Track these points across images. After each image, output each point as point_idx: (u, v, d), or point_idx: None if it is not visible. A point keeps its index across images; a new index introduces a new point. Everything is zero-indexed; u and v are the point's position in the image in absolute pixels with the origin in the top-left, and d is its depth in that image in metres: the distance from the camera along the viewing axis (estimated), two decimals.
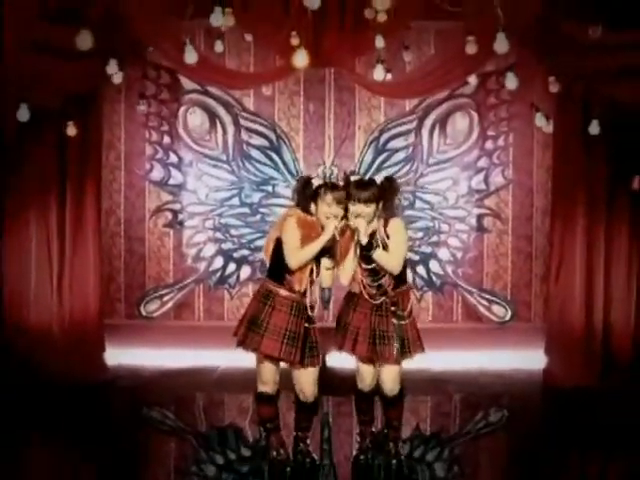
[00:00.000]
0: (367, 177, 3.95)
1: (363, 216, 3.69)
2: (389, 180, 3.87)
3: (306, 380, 3.79)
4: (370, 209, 3.69)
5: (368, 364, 3.91)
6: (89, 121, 5.06)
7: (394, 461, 3.91)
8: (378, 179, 3.83)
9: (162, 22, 4.19)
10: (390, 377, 3.84)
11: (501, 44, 3.53)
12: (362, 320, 3.82)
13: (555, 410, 4.91)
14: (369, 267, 3.75)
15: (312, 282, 3.79)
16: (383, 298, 3.78)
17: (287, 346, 3.66)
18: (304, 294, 3.73)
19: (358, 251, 3.79)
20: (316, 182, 3.76)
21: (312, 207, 3.73)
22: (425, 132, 6.40)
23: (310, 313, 3.74)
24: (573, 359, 5.15)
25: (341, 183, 3.81)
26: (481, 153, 6.43)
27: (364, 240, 3.65)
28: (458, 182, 6.45)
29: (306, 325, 3.73)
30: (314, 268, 3.73)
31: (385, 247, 3.72)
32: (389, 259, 3.70)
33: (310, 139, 6.44)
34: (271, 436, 3.91)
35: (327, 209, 3.67)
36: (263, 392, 3.82)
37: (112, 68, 4.38)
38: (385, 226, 3.75)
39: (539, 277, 6.37)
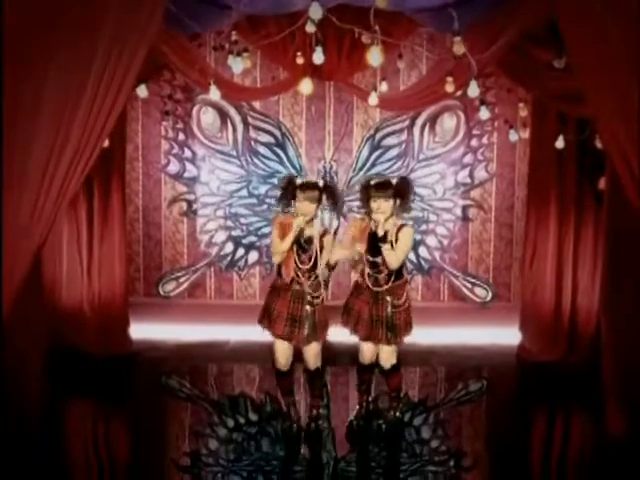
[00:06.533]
0: (384, 178, 4.25)
1: (382, 211, 4.06)
2: (404, 180, 4.24)
3: (309, 353, 4.24)
4: (388, 204, 4.07)
5: (367, 342, 4.32)
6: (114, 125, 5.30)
7: (384, 425, 4.36)
8: (394, 180, 4.18)
9: (189, 52, 4.40)
10: (385, 354, 4.28)
11: (473, 89, 3.90)
12: (363, 307, 4.26)
13: (527, 380, 5.26)
14: (373, 259, 4.17)
15: (309, 273, 4.13)
16: (382, 288, 4.19)
17: (289, 327, 4.10)
18: (299, 283, 4.09)
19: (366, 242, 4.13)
20: (298, 181, 4.08)
21: (293, 204, 4.07)
22: (416, 131, 6.59)
23: (310, 298, 4.11)
24: (543, 336, 5.42)
25: (321, 183, 4.15)
26: (467, 150, 6.62)
27: (380, 232, 4.03)
28: (445, 176, 6.66)
29: (307, 308, 4.12)
30: (296, 260, 4.08)
31: (392, 246, 4.08)
32: (391, 255, 4.08)
33: (311, 135, 6.61)
34: (285, 401, 4.36)
35: (300, 205, 4.04)
36: (278, 369, 4.28)
37: (142, 91, 4.66)
38: (398, 230, 4.13)
39: (519, 261, 6.44)
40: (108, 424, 4.60)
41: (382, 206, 4.08)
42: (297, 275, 4.13)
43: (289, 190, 4.09)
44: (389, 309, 4.19)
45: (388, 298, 4.20)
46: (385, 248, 4.09)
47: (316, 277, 4.18)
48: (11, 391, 3.80)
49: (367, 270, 4.24)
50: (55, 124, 3.19)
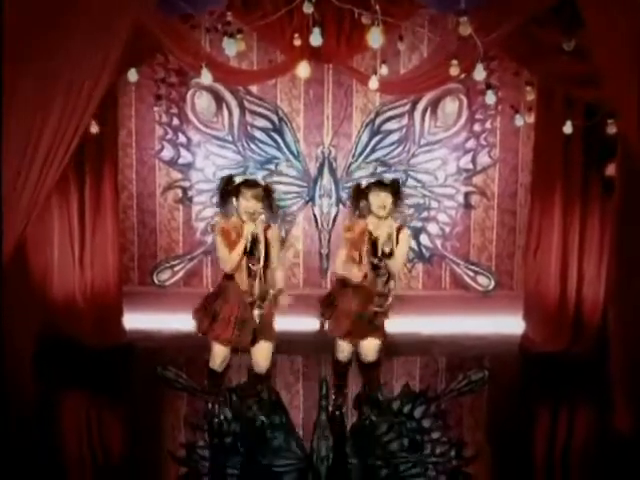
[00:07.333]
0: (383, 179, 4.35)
1: (385, 206, 4.10)
2: (396, 180, 4.30)
3: (259, 354, 4.18)
4: (390, 199, 4.12)
5: (346, 339, 4.32)
6: (105, 111, 5.02)
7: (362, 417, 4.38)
8: (387, 180, 4.25)
9: (182, 34, 4.31)
10: (368, 345, 4.29)
11: (479, 72, 3.81)
12: (348, 303, 4.25)
13: (530, 370, 5.25)
14: (374, 262, 4.15)
15: (254, 277, 4.06)
16: (376, 289, 4.21)
17: (237, 332, 4.07)
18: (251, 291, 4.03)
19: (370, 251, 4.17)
20: (238, 180, 4.04)
21: (234, 203, 4.02)
22: (417, 115, 6.47)
23: (259, 302, 4.05)
24: (547, 326, 5.37)
25: (262, 182, 4.11)
26: (469, 135, 6.50)
27: (387, 249, 4.04)
28: (447, 162, 6.55)
29: (256, 312, 4.05)
30: (251, 267, 4.02)
31: (392, 252, 4.10)
32: (395, 265, 4.18)
33: (310, 119, 6.52)
34: (215, 402, 4.38)
35: (246, 204, 3.96)
36: (212, 369, 4.25)
37: (132, 75, 4.57)
38: (398, 233, 4.15)
39: (522, 249, 6.34)
40: (103, 415, 4.59)
41: (384, 200, 4.09)
42: (249, 276, 4.06)
43: (230, 190, 4.02)
44: (374, 309, 4.23)
45: (376, 298, 4.22)
46: (391, 261, 4.12)
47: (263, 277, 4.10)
48: (3, 383, 3.83)
49: (366, 270, 4.20)
50: (32, 111, 3.16)
